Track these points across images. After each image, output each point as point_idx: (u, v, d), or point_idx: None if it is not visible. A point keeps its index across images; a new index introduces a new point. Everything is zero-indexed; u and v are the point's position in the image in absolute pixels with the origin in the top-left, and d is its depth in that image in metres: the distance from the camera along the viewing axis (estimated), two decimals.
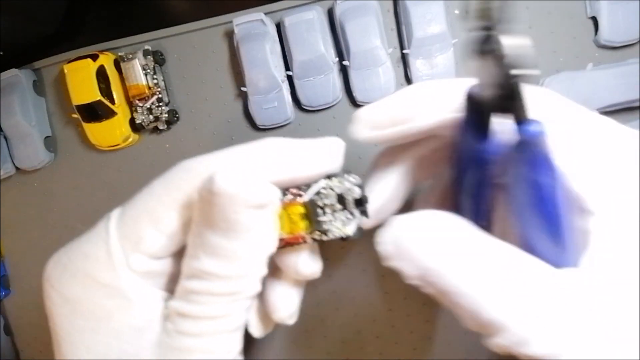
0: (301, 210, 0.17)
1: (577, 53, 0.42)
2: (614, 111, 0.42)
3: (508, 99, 0.13)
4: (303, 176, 0.17)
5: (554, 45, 0.42)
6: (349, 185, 0.17)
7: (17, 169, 0.50)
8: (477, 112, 0.14)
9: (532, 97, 0.14)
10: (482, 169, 0.15)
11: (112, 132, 0.46)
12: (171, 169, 0.18)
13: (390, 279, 0.45)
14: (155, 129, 0.47)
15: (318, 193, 0.17)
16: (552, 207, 0.14)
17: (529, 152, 0.13)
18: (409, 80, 0.43)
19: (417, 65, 0.42)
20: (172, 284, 0.18)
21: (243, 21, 0.42)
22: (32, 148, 0.48)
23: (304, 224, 0.17)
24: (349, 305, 0.47)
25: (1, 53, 0.48)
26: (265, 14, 0.43)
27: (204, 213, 0.16)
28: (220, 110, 0.47)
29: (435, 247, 0.14)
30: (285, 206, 0.17)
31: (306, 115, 0.45)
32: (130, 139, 0.47)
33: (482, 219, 0.17)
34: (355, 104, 0.44)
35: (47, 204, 0.51)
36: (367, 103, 0.43)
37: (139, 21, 0.48)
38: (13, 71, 0.48)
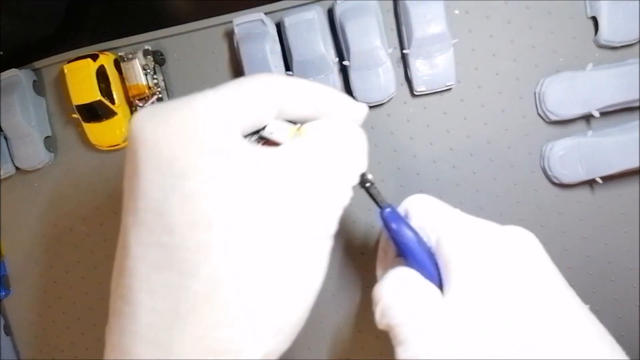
0: None
1: (577, 53, 0.42)
2: (614, 111, 0.42)
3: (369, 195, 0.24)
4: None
5: (554, 45, 0.42)
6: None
7: (17, 169, 0.50)
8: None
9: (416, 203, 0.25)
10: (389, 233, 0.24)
11: (112, 132, 0.46)
12: (261, 74, 0.22)
13: None
14: None
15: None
16: (414, 255, 0.23)
17: (388, 225, 0.24)
18: (409, 81, 0.43)
19: (417, 65, 0.42)
20: None
21: (243, 21, 0.42)
22: (32, 148, 0.48)
23: None
24: (348, 306, 0.47)
25: (1, 53, 0.48)
26: (265, 14, 0.43)
27: None
28: None
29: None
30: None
31: None
32: None
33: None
34: None
35: (47, 204, 0.51)
36: (367, 103, 0.43)
37: (139, 21, 0.48)
38: (13, 71, 0.48)
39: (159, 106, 0.20)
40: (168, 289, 0.17)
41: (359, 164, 0.22)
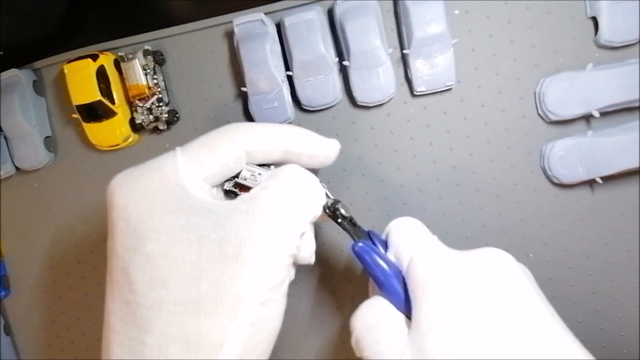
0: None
1: (577, 53, 0.42)
2: (614, 111, 0.42)
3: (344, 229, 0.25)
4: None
5: (554, 45, 0.42)
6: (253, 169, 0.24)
7: (17, 169, 0.50)
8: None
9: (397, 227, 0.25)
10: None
11: (112, 132, 0.46)
12: (226, 125, 0.23)
13: None
14: (155, 129, 0.47)
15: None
16: (385, 286, 0.23)
17: (359, 258, 0.24)
18: (409, 81, 0.43)
19: (417, 65, 0.42)
20: None
21: (243, 21, 0.42)
22: (32, 148, 0.48)
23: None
24: (349, 305, 0.47)
25: (1, 53, 0.48)
26: (265, 14, 0.43)
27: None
28: (220, 110, 0.47)
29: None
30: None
31: (306, 115, 0.45)
32: (130, 139, 0.47)
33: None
34: (355, 104, 0.44)
35: (47, 204, 0.51)
36: (367, 103, 0.43)
37: (139, 21, 0.48)
38: (13, 71, 0.48)
39: (132, 170, 0.22)
40: (131, 342, 0.19)
41: (308, 213, 0.23)
